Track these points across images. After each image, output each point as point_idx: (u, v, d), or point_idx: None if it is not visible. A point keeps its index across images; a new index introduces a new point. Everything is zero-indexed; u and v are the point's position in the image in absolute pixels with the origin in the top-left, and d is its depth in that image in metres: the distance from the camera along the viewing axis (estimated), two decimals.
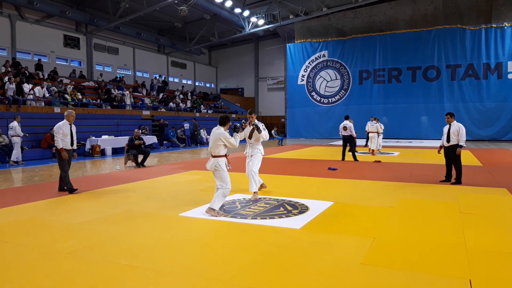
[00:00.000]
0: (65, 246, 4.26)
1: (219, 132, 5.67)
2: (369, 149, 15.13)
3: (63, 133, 7.36)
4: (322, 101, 29.56)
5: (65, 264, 3.73)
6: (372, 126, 14.45)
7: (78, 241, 4.42)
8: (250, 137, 6.88)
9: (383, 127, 14.96)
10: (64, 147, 7.36)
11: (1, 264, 3.75)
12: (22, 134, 12.84)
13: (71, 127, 7.54)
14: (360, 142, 17.20)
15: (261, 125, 6.89)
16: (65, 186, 7.43)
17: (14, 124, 12.73)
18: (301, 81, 30.08)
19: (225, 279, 3.35)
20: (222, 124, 5.78)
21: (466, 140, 8.20)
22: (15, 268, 3.65)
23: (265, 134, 6.83)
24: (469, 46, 25.00)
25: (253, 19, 27.42)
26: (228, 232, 4.82)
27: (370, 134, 14.41)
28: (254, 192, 6.72)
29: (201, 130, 23.41)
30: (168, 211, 5.86)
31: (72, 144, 7.54)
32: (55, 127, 7.43)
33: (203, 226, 5.02)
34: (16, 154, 12.82)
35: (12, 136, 12.70)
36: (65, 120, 7.48)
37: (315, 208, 5.91)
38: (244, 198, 6.78)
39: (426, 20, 26.01)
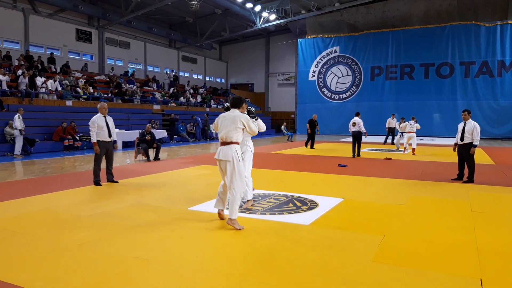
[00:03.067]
0: (76, 238, 4.31)
1: (237, 114, 4.76)
2: (405, 148, 14.85)
3: (98, 126, 7.45)
4: (333, 97, 29.39)
5: (77, 256, 3.78)
6: (412, 126, 14.21)
7: (89, 234, 4.47)
8: None
9: (419, 127, 14.74)
10: (102, 140, 7.49)
11: (15, 255, 3.81)
12: (20, 127, 12.71)
13: (106, 118, 7.59)
14: (372, 139, 17.07)
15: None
16: (94, 178, 7.55)
17: (15, 117, 12.80)
18: (312, 77, 29.92)
19: (234, 273, 3.35)
20: (236, 106, 4.89)
21: (480, 138, 8.08)
22: (29, 259, 3.70)
23: (262, 124, 5.58)
24: (484, 42, 24.60)
25: (265, 14, 27.30)
26: None
27: (409, 134, 14.24)
28: (248, 200, 5.79)
29: (211, 125, 23.47)
30: (177, 205, 5.89)
31: (110, 136, 7.62)
32: (89, 121, 7.51)
33: (213, 220, 5.03)
34: (19, 146, 12.82)
35: (14, 129, 12.78)
36: (99, 113, 7.56)
37: (325, 205, 5.89)
38: (253, 194, 6.77)
39: (440, 16, 25.63)
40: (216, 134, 4.91)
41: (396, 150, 15.55)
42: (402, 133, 15.75)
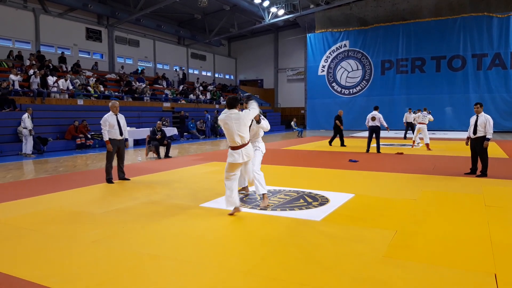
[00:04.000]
0: (89, 235, 4.36)
1: (241, 114, 4.91)
2: (414, 142, 14.50)
3: (110, 124, 7.50)
4: (343, 92, 29.18)
5: (90, 252, 3.83)
6: (425, 117, 13.72)
7: (101, 230, 4.52)
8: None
9: (432, 119, 14.21)
10: (113, 138, 7.56)
11: (30, 252, 3.87)
12: (30, 127, 12.87)
13: (117, 117, 7.64)
14: (383, 134, 16.66)
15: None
16: (106, 176, 7.64)
17: (24, 116, 12.96)
18: (321, 72, 29.73)
19: (245, 269, 3.36)
20: (233, 106, 4.96)
21: (493, 131, 7.96)
22: (43, 256, 3.76)
23: (265, 124, 5.69)
24: (496, 34, 24.16)
25: (273, 9, 27.19)
26: (248, 223, 4.83)
27: (419, 125, 13.76)
28: (264, 194, 5.58)
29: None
30: (188, 202, 5.92)
31: (121, 134, 7.68)
32: (101, 120, 7.57)
33: (223, 216, 5.05)
34: (27, 147, 12.96)
35: (23, 128, 12.94)
36: (110, 111, 7.62)
37: (336, 200, 5.87)
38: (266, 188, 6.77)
39: (452, 8, 25.23)
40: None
41: (409, 145, 15.30)
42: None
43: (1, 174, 9.01)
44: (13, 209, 5.62)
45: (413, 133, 15.40)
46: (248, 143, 5.00)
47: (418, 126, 13.85)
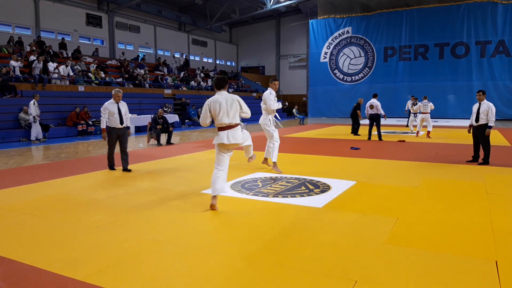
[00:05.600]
0: (92, 220, 4.39)
1: (233, 96, 4.80)
2: (415, 130, 14.33)
3: (110, 112, 7.35)
4: (345, 79, 29.02)
5: (93, 237, 3.85)
6: (426, 106, 13.52)
7: (105, 216, 4.55)
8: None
9: (433, 107, 14.01)
10: (113, 126, 7.41)
11: (33, 238, 3.90)
12: (35, 113, 12.88)
13: (118, 105, 7.47)
14: (385, 121, 16.43)
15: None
16: (108, 163, 7.60)
17: (31, 103, 12.95)
18: (323, 59, 29.53)
19: (247, 255, 3.38)
20: (222, 87, 4.81)
21: (495, 119, 7.92)
22: (46, 241, 3.79)
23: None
24: (501, 21, 23.89)
25: None
26: (250, 209, 4.85)
27: (423, 115, 13.60)
28: (272, 161, 7.31)
29: None
30: (191, 188, 5.94)
31: (122, 123, 7.48)
32: (101, 107, 7.45)
33: (225, 203, 5.07)
34: (35, 132, 13.06)
35: (29, 115, 12.95)
36: (112, 99, 7.48)
37: (337, 188, 5.88)
38: (265, 176, 6.80)
39: None
40: None
41: (410, 132, 15.26)
42: (414, 114, 15.30)
43: (4, 160, 9.04)
44: (16, 195, 5.65)
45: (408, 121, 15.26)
46: (235, 126, 4.75)
47: (422, 116, 13.69)
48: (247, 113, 4.90)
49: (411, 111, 15.38)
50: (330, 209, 4.80)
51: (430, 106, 13.62)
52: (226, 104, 4.69)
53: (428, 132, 13.57)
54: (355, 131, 14.94)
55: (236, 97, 4.82)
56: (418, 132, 14.20)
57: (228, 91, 4.95)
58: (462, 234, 3.88)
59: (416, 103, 15.00)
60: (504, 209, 4.74)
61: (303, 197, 5.36)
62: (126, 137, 7.64)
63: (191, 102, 22.06)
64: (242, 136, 4.82)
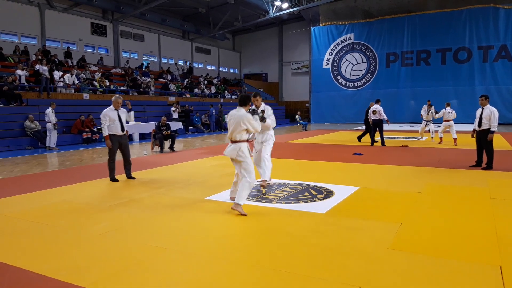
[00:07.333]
0: (97, 228, 4.42)
1: (241, 114, 5.00)
2: (441, 139, 13.68)
3: (110, 119, 7.24)
4: (347, 85, 29.07)
5: (98, 245, 3.88)
6: (450, 114, 13.16)
7: (109, 223, 4.58)
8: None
9: (455, 116, 13.58)
10: (114, 133, 7.31)
11: (39, 245, 3.94)
12: (54, 121, 13.11)
13: (118, 112, 7.37)
14: (388, 126, 15.83)
15: (270, 110, 6.33)
16: (109, 175, 7.38)
17: (48, 110, 13.12)
18: (326, 65, 29.61)
19: (251, 261, 3.40)
20: (243, 104, 5.10)
21: (498, 124, 7.92)
22: (51, 249, 3.82)
23: (270, 121, 6.20)
24: (503, 26, 23.93)
25: (277, 3, 27.07)
26: (253, 216, 4.86)
27: (447, 123, 13.22)
28: (264, 180, 6.29)
29: (225, 116, 23.52)
30: (194, 195, 5.97)
31: (123, 130, 7.41)
32: (101, 114, 7.31)
33: (229, 209, 5.09)
34: (51, 140, 13.24)
35: (47, 122, 13.13)
36: (111, 106, 7.37)
37: (340, 193, 5.88)
38: (269, 183, 6.80)
39: None
40: None
41: (420, 138, 15.01)
42: (427, 121, 14.33)
43: (9, 168, 9.11)
44: (21, 202, 5.70)
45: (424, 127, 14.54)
46: (236, 142, 5.03)
47: (446, 123, 13.33)
48: (253, 130, 5.09)
49: (424, 119, 14.44)
50: (333, 215, 4.81)
51: (453, 114, 13.33)
52: (234, 123, 5.04)
53: (455, 139, 13.00)
54: (364, 136, 14.22)
55: (246, 117, 4.99)
56: (441, 139, 13.62)
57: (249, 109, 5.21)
58: (466, 240, 3.87)
59: (431, 107, 14.26)
60: (508, 214, 4.73)
61: (307, 203, 5.37)
62: (127, 146, 7.56)
63: (195, 109, 22.16)
64: (230, 151, 5.04)
